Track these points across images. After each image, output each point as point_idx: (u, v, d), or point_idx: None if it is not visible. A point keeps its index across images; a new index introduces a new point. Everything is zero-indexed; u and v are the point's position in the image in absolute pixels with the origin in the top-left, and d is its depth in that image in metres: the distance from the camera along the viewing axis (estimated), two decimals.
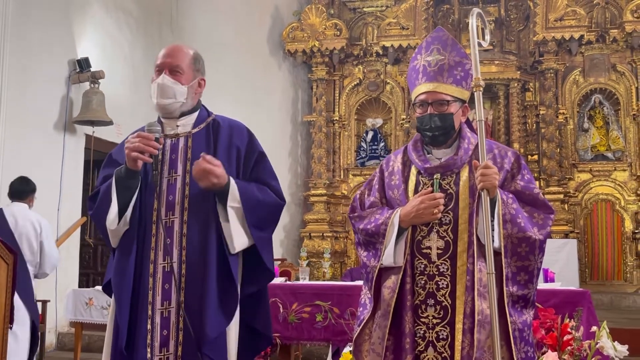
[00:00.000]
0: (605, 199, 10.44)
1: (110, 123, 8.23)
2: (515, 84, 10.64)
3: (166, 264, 2.79)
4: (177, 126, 2.96)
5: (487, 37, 2.85)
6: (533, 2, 10.62)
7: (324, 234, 10.80)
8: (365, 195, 3.01)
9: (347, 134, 11.48)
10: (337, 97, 11.50)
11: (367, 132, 11.43)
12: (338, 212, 11.17)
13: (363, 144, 11.40)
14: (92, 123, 8.15)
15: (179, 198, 2.84)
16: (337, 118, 11.38)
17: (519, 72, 10.62)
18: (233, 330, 2.81)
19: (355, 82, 11.51)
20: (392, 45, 10.98)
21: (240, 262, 2.88)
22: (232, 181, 2.80)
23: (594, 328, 3.74)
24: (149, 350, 2.71)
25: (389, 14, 11.50)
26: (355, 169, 11.34)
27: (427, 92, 2.80)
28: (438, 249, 2.74)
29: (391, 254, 2.76)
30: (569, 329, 3.60)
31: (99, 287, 7.10)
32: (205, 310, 2.71)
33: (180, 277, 2.77)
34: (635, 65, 10.58)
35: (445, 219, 2.75)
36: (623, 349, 3.69)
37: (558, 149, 10.47)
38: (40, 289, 7.53)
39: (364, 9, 11.74)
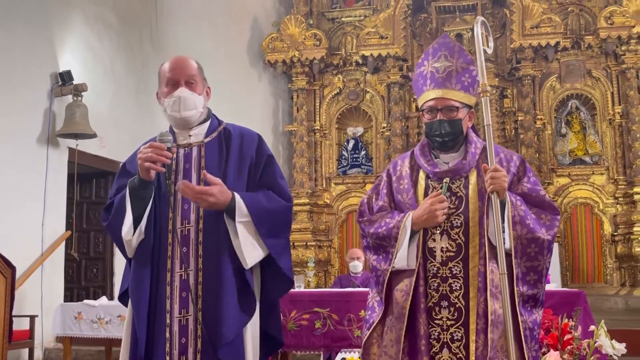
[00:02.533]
0: (584, 203, 10.59)
1: (94, 136, 8.19)
2: (494, 91, 10.75)
3: (183, 272, 2.80)
4: (190, 136, 2.98)
5: (491, 44, 2.92)
6: (509, 10, 10.79)
7: (308, 243, 10.79)
8: (373, 200, 3.04)
9: (328, 143, 11.52)
10: (318, 107, 11.54)
11: (348, 141, 11.49)
12: (321, 221, 11.20)
13: (344, 153, 11.44)
14: (75, 136, 8.10)
15: (194, 206, 2.85)
16: (318, 127, 11.42)
17: (496, 79, 10.75)
18: (250, 333, 2.81)
19: (335, 92, 11.56)
20: (371, 55, 11.05)
21: (257, 270, 2.90)
22: (237, 196, 2.80)
23: (592, 327, 3.81)
24: (168, 358, 2.73)
25: (367, 23, 11.58)
26: (337, 177, 11.37)
27: (436, 99, 2.86)
28: (448, 250, 2.79)
29: (404, 256, 2.80)
30: (568, 329, 3.67)
31: (88, 301, 7.06)
32: (221, 317, 2.72)
33: (197, 285, 2.78)
34: (610, 70, 10.77)
35: (457, 222, 2.80)
36: (621, 347, 3.76)
37: (537, 154, 10.60)
38: (26, 304, 7.47)
39: (343, 19, 11.82)
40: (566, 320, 3.74)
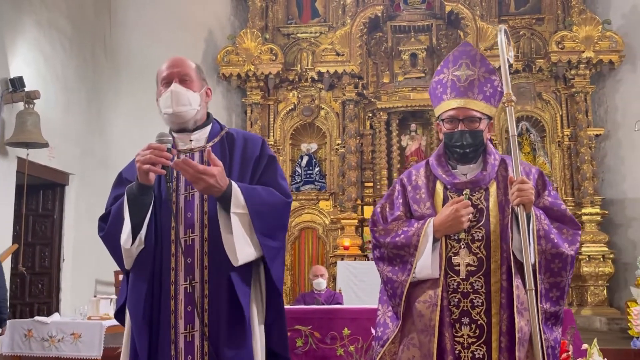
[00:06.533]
0: None
1: (45, 145, 7.83)
2: None
3: (188, 285, 2.62)
4: (191, 141, 2.82)
5: (512, 54, 2.86)
6: (464, 32, 10.94)
7: None
8: (387, 209, 2.91)
9: (282, 159, 11.41)
10: (272, 122, 11.46)
11: (301, 157, 11.41)
12: None
13: (298, 169, 11.36)
14: (26, 145, 7.73)
15: (198, 215, 2.68)
16: (272, 143, 11.30)
17: None
18: (260, 350, 2.65)
19: (290, 107, 11.50)
20: (327, 71, 11.05)
21: (260, 284, 2.74)
22: (234, 185, 2.61)
23: (585, 346, 3.79)
24: None
25: (323, 40, 11.58)
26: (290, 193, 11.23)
27: (458, 108, 2.76)
28: (470, 265, 2.68)
29: (428, 265, 2.67)
30: (565, 347, 3.64)
31: (39, 318, 6.72)
32: (225, 332, 2.56)
33: (203, 299, 2.60)
34: (560, 94, 11.05)
35: (478, 235, 2.70)
36: None
37: None
38: None
39: (298, 35, 11.79)
40: (562, 339, 3.70)
